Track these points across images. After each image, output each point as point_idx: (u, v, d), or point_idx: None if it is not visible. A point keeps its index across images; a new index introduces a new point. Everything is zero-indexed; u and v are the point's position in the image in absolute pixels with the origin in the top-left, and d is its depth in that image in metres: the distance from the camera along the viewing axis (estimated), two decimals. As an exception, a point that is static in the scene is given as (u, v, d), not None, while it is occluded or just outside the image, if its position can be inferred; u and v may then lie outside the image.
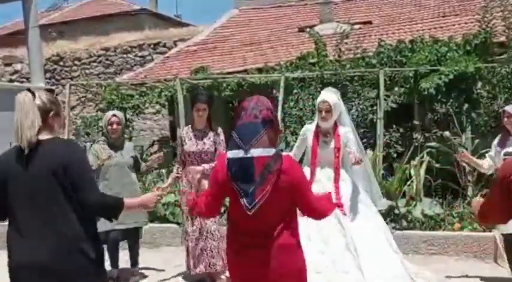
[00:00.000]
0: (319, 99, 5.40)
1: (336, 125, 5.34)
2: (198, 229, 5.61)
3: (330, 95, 5.35)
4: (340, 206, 4.74)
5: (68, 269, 2.78)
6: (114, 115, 5.98)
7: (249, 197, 2.91)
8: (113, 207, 2.93)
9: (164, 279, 6.08)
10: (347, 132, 5.36)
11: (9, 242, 2.87)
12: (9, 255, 2.87)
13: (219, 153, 5.48)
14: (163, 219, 7.78)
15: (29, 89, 2.91)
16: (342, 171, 5.32)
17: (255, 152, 2.93)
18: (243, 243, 3.04)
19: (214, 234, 5.58)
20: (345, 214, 5.06)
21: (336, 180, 5.26)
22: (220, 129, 5.81)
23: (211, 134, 5.74)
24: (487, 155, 5.69)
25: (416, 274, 5.40)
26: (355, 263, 4.92)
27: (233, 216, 3.13)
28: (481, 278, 5.74)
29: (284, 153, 3.14)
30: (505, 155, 5.11)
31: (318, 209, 3.17)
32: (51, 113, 2.92)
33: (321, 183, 5.22)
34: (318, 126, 5.37)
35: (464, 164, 7.37)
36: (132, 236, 6.05)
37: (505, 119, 5.31)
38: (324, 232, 4.99)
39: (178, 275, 6.15)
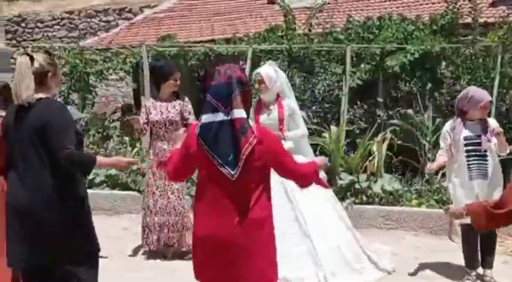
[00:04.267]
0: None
1: (278, 97, 5.29)
2: (157, 202, 5.61)
3: (264, 68, 5.34)
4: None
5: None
6: None
7: (231, 162, 2.79)
8: (83, 164, 3.20)
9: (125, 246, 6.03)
10: (291, 103, 5.33)
11: (9, 184, 3.26)
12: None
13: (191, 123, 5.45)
14: (125, 187, 7.74)
15: (27, 52, 3.21)
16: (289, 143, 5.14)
17: (235, 114, 2.82)
18: (215, 220, 2.87)
19: (177, 210, 5.59)
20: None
21: None
22: (187, 98, 5.76)
23: (176, 102, 5.69)
24: (440, 151, 5.24)
25: (366, 246, 5.43)
26: (305, 235, 4.90)
27: (205, 189, 2.94)
28: (432, 250, 5.89)
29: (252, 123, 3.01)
30: (465, 139, 4.96)
31: (301, 176, 3.09)
32: (49, 74, 3.24)
33: None
34: (260, 98, 5.36)
35: (425, 143, 7.53)
36: None
37: (481, 106, 4.93)
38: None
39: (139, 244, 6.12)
